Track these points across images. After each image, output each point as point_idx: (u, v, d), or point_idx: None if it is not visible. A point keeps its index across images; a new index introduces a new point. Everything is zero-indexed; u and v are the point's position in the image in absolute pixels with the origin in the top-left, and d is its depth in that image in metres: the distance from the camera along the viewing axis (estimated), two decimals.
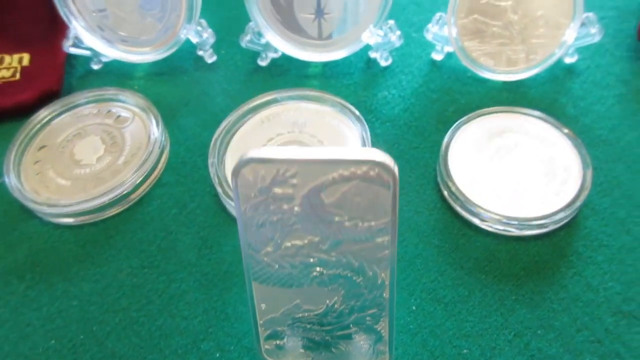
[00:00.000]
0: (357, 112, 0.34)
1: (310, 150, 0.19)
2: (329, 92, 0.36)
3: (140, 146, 0.35)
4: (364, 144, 0.33)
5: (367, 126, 0.33)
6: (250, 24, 0.38)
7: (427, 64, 0.39)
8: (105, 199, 0.32)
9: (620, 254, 0.29)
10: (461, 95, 0.37)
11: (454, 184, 0.30)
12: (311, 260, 0.22)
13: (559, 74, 0.37)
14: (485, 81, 0.37)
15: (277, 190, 0.20)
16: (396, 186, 0.20)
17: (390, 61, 0.39)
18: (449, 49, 0.38)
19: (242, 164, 0.19)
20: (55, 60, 0.41)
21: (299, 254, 0.21)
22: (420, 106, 0.36)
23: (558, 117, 0.34)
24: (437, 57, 0.39)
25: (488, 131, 0.33)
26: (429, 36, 0.37)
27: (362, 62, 0.40)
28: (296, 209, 0.20)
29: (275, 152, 0.19)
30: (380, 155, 0.19)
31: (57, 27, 0.43)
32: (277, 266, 0.22)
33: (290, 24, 0.37)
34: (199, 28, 0.39)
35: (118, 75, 0.42)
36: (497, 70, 0.36)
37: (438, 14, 0.37)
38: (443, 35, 0.37)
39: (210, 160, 0.33)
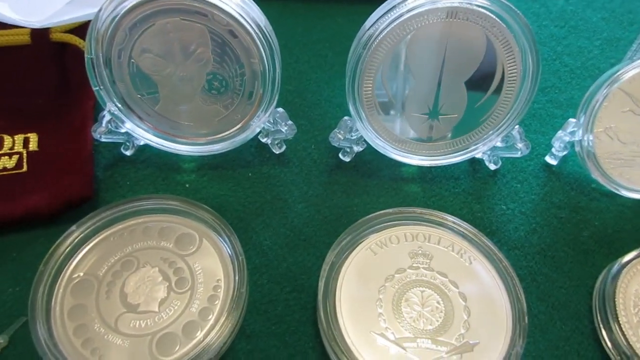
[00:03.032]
0: (488, 243, 0.28)
1: None
2: (440, 208, 0.30)
3: (217, 285, 0.27)
4: (510, 296, 0.26)
5: (507, 262, 0.27)
6: (345, 118, 0.31)
7: (541, 169, 0.34)
8: None
9: None
10: (592, 214, 0.32)
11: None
12: None
13: None
14: (612, 195, 0.32)
15: None
16: None
17: (499, 164, 0.33)
18: (564, 152, 0.33)
19: None
20: (78, 150, 0.31)
21: None
22: (549, 228, 0.31)
23: None
24: (552, 161, 0.33)
25: None
26: (556, 143, 0.32)
27: (465, 162, 0.33)
28: None
29: None
30: None
31: (74, 102, 0.33)
32: None
33: (394, 122, 0.31)
34: (278, 119, 0.31)
35: (158, 165, 0.33)
36: (634, 188, 0.31)
37: (571, 121, 0.31)
38: (570, 142, 0.32)
39: (319, 313, 0.26)
